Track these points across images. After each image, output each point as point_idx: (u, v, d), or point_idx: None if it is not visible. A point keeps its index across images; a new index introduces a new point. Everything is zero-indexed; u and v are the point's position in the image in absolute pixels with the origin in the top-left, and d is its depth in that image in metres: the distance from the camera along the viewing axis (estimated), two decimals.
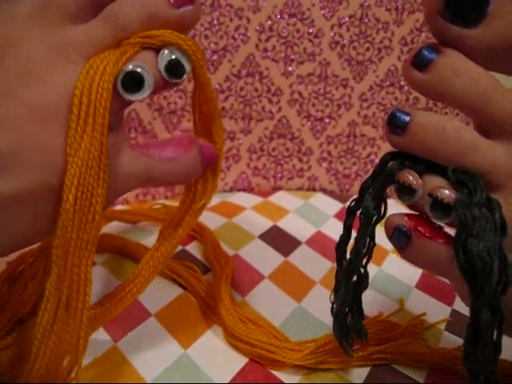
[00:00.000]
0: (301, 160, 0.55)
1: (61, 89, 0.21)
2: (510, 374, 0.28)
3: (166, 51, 0.23)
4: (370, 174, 0.24)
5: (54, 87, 0.21)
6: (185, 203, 0.28)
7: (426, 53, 0.22)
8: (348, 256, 0.25)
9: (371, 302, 0.36)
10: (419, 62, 0.22)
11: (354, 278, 0.25)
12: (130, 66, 0.22)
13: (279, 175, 0.55)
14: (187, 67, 0.24)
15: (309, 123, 0.53)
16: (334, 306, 0.26)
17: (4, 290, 0.31)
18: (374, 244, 0.24)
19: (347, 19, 0.49)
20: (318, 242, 0.44)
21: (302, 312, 0.34)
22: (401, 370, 0.30)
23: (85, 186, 0.21)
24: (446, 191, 0.21)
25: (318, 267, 0.39)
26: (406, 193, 0.22)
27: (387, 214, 0.24)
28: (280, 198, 0.53)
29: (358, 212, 0.24)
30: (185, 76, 0.24)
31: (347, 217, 0.25)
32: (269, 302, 0.35)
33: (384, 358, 0.30)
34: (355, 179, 0.57)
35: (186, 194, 0.28)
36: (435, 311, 0.35)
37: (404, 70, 0.23)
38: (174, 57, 0.23)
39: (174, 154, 0.25)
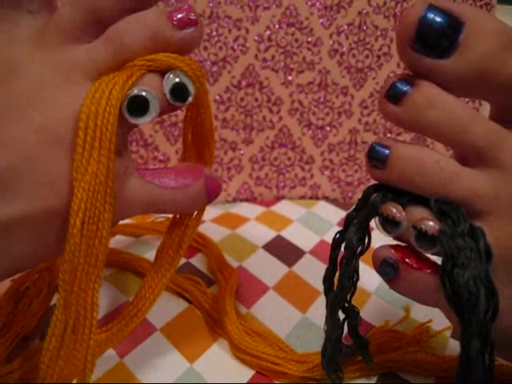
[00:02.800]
0: (303, 169, 0.55)
1: (65, 111, 0.21)
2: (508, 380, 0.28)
3: (172, 75, 0.23)
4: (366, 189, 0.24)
5: (58, 110, 0.21)
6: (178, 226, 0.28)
7: (399, 85, 0.22)
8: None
9: (376, 311, 0.36)
10: (393, 95, 0.22)
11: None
12: (136, 91, 0.22)
13: (282, 184, 0.55)
14: (191, 90, 0.24)
15: (310, 132, 0.53)
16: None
17: (9, 307, 0.31)
18: (358, 278, 0.24)
19: (346, 27, 0.49)
20: (322, 251, 0.43)
21: (308, 323, 0.34)
22: (408, 378, 0.30)
23: (92, 211, 0.20)
24: (430, 223, 0.21)
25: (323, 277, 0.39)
26: (390, 225, 0.22)
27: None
28: (283, 208, 0.53)
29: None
30: (190, 99, 0.24)
31: (332, 249, 0.25)
32: (274, 314, 0.35)
33: (390, 367, 0.30)
34: (358, 186, 0.57)
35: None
36: (440, 318, 0.35)
37: (379, 103, 0.23)
38: (179, 80, 0.23)
39: (181, 183, 0.25)
